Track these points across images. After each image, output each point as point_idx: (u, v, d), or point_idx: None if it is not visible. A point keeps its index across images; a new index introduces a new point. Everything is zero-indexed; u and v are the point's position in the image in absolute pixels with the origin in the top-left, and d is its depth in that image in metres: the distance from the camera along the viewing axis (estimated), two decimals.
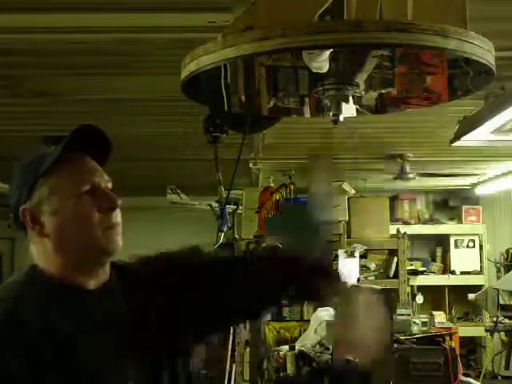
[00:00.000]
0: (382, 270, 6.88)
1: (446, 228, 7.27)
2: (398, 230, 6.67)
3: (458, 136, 3.64)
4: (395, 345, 3.59)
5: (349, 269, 4.89)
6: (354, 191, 5.15)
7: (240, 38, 1.30)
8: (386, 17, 1.39)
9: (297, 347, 3.82)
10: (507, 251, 6.65)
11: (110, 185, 1.39)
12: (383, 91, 1.63)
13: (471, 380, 3.94)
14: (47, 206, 1.33)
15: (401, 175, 5.26)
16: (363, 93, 1.59)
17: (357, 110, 1.71)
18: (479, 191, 6.90)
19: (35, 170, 1.34)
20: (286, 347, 3.85)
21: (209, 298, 1.50)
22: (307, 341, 4.05)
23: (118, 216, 1.38)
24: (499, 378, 5.59)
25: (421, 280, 7.00)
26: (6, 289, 1.33)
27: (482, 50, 1.32)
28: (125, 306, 1.37)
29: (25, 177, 1.36)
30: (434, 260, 7.45)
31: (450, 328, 5.71)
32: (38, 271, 1.34)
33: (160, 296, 1.42)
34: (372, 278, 6.70)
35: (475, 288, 6.31)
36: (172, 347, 1.42)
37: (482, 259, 7.15)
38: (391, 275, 6.74)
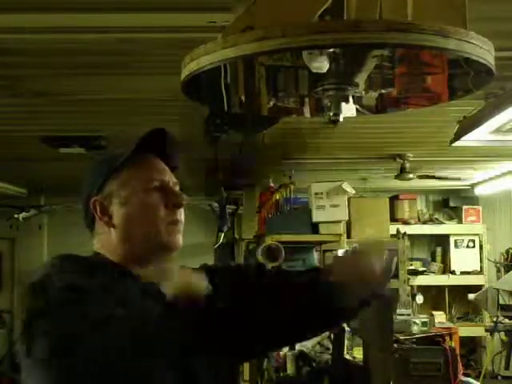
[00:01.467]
0: None
1: (445, 228, 7.27)
2: (397, 230, 6.66)
3: (458, 136, 3.64)
4: (395, 345, 3.59)
5: None
6: (354, 191, 5.14)
7: (240, 38, 1.30)
8: (386, 17, 1.39)
9: (297, 347, 3.82)
10: (507, 251, 6.66)
11: (177, 187, 1.50)
12: (383, 91, 1.63)
13: (471, 380, 3.94)
14: (117, 198, 1.42)
15: (401, 175, 5.27)
16: (363, 93, 1.58)
17: (357, 109, 1.71)
18: (479, 191, 6.91)
19: (108, 166, 1.45)
20: (286, 347, 3.85)
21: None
22: (307, 341, 4.05)
23: (182, 215, 1.49)
24: (499, 378, 5.60)
25: (421, 280, 7.00)
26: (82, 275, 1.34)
27: (482, 50, 1.32)
28: None
29: (98, 172, 1.46)
30: (434, 260, 7.45)
31: (449, 328, 5.72)
32: (103, 257, 1.42)
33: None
34: None
35: (475, 288, 6.31)
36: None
37: (482, 259, 7.15)
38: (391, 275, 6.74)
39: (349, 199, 5.29)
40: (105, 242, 1.44)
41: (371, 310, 1.47)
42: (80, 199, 1.48)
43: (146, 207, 1.43)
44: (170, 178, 1.50)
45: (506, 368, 5.24)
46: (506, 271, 6.41)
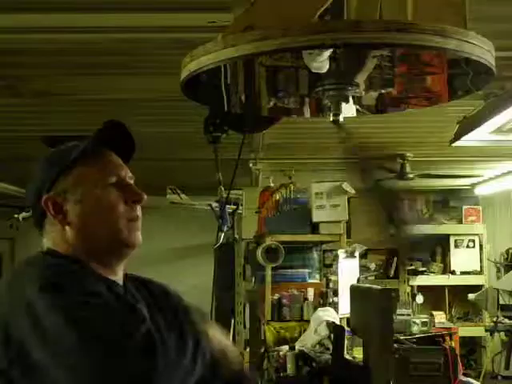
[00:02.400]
0: (382, 270, 6.89)
1: (446, 228, 7.26)
2: None
3: (458, 136, 3.64)
4: (395, 345, 3.60)
5: (349, 269, 4.89)
6: (353, 191, 5.14)
7: (240, 38, 1.30)
8: (386, 17, 1.39)
9: (297, 347, 3.82)
10: (507, 251, 6.65)
11: (132, 182, 1.44)
12: (383, 91, 1.63)
13: (471, 380, 3.94)
14: (72, 195, 1.36)
15: (401, 175, 5.27)
16: (363, 93, 1.59)
17: (357, 110, 1.71)
18: (479, 191, 6.90)
19: (60, 161, 1.38)
20: (286, 347, 3.85)
21: None
22: (307, 341, 4.06)
23: (140, 210, 1.42)
24: (499, 378, 5.59)
25: (421, 280, 7.00)
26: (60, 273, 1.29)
27: (482, 50, 1.32)
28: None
29: (48, 168, 1.39)
30: (434, 260, 7.45)
31: (450, 328, 5.73)
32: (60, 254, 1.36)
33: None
34: (372, 277, 6.70)
35: (475, 288, 6.30)
36: None
37: (482, 259, 7.14)
38: (391, 275, 6.75)
39: (349, 199, 5.29)
40: (58, 240, 1.37)
41: (371, 309, 1.47)
42: (28, 196, 1.42)
43: (105, 204, 1.37)
44: (126, 173, 1.44)
45: (506, 368, 5.24)
46: (506, 271, 6.41)
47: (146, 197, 1.41)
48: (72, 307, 1.17)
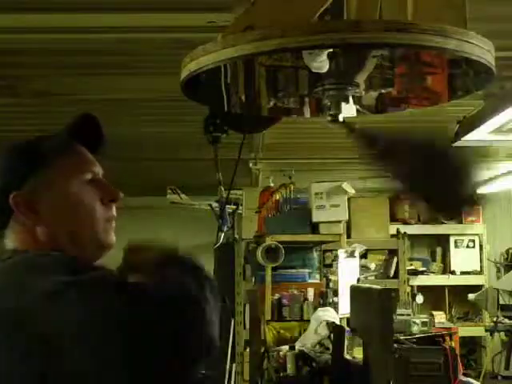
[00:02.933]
0: (382, 270, 6.89)
1: (445, 228, 7.27)
2: (397, 230, 6.67)
3: (458, 136, 3.64)
4: (395, 345, 3.59)
5: (349, 269, 4.89)
6: (353, 191, 5.14)
7: (240, 38, 1.30)
8: (386, 17, 1.39)
9: (297, 347, 3.82)
10: (507, 251, 6.66)
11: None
12: (383, 91, 1.63)
13: (471, 380, 3.94)
14: (46, 193, 1.27)
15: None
16: (363, 93, 1.58)
17: (357, 109, 1.71)
18: (479, 191, 6.90)
19: (31, 156, 1.29)
20: (286, 347, 3.85)
21: None
22: (307, 341, 4.05)
23: (115, 210, 1.35)
24: (499, 378, 5.59)
25: (421, 280, 7.00)
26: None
27: (482, 50, 1.32)
28: None
29: (16, 162, 1.29)
30: (434, 260, 7.45)
31: (450, 328, 5.73)
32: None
33: None
34: (372, 277, 6.70)
35: (475, 288, 6.31)
36: None
37: (482, 259, 7.15)
38: (391, 275, 6.75)
39: (349, 199, 5.29)
40: (28, 241, 1.27)
41: (371, 309, 1.47)
42: None
43: (82, 204, 1.28)
44: (99, 170, 1.34)
45: (506, 368, 5.24)
46: (506, 271, 6.41)
47: (122, 195, 1.34)
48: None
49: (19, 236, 1.28)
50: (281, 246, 4.65)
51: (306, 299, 4.82)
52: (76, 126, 1.34)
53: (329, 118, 1.53)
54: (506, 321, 5.38)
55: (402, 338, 3.84)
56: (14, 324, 1.09)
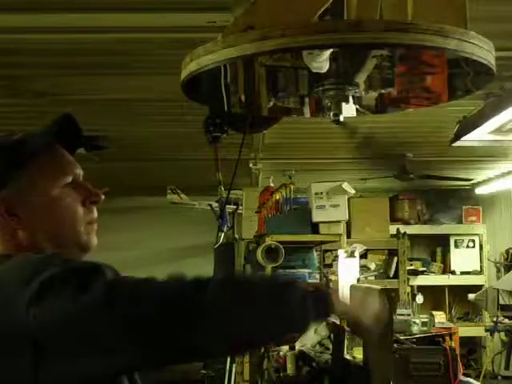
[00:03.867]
0: (382, 270, 6.89)
1: (445, 228, 7.27)
2: (397, 230, 6.67)
3: (457, 136, 3.64)
4: (395, 345, 3.59)
5: (349, 269, 4.89)
6: (353, 191, 5.14)
7: (240, 38, 1.30)
8: (386, 17, 1.39)
9: (297, 347, 3.82)
10: (507, 251, 6.66)
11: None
12: (383, 91, 1.63)
13: (471, 380, 3.94)
14: (26, 196, 1.24)
15: (401, 175, 5.27)
16: (363, 93, 1.59)
17: (357, 109, 1.71)
18: (479, 191, 6.91)
19: (11, 157, 1.25)
20: (286, 347, 3.85)
21: None
22: (307, 341, 4.05)
23: (96, 212, 1.33)
24: (499, 378, 5.60)
25: (421, 280, 7.00)
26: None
27: (482, 50, 1.32)
28: None
29: None
30: (434, 260, 7.45)
31: (449, 328, 5.72)
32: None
33: None
34: (372, 277, 6.70)
35: (475, 288, 6.31)
36: None
37: (482, 259, 7.15)
38: (391, 275, 6.75)
39: (349, 199, 5.29)
40: (8, 244, 1.25)
41: None
42: None
43: (64, 206, 1.26)
44: (80, 171, 1.32)
45: (506, 368, 5.24)
46: (506, 271, 6.41)
47: (103, 197, 1.32)
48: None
49: (1, 239, 1.26)
50: (281, 246, 4.64)
51: None
52: (56, 127, 1.32)
53: (332, 119, 1.53)
54: (506, 321, 5.38)
55: (402, 337, 3.84)
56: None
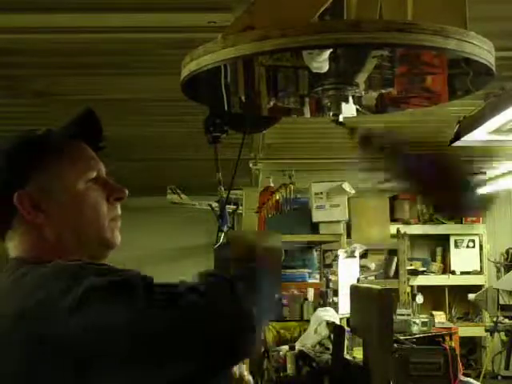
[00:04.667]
0: (381, 270, 6.89)
1: (446, 228, 7.27)
2: (398, 230, 6.67)
3: (458, 136, 3.64)
4: (395, 345, 3.59)
5: (349, 269, 4.89)
6: (353, 191, 5.14)
7: (240, 38, 1.30)
8: (386, 17, 1.39)
9: (297, 347, 3.82)
10: (507, 251, 6.66)
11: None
12: (383, 91, 1.63)
13: (471, 380, 3.94)
14: (50, 191, 1.22)
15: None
16: (363, 93, 1.59)
17: (357, 109, 1.71)
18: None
19: (32, 152, 1.23)
20: (286, 347, 3.85)
21: None
22: (307, 341, 4.05)
23: (120, 209, 1.31)
24: (499, 378, 5.60)
25: (421, 280, 7.00)
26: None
27: (482, 50, 1.32)
28: None
29: (17, 159, 1.23)
30: (433, 260, 7.45)
31: (450, 328, 5.72)
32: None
33: None
34: (372, 277, 6.71)
35: (475, 288, 6.31)
36: None
37: (482, 259, 7.15)
38: (391, 275, 6.75)
39: (349, 199, 5.29)
40: (34, 241, 1.22)
41: (371, 309, 1.47)
42: None
43: (89, 203, 1.24)
44: (103, 168, 1.31)
45: (506, 368, 5.24)
46: (506, 271, 6.41)
47: (127, 193, 1.30)
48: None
49: (24, 238, 1.23)
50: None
51: (305, 299, 4.82)
52: (79, 122, 1.29)
53: (332, 119, 1.53)
54: (506, 321, 5.38)
55: (401, 338, 3.84)
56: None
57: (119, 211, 1.30)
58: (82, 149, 1.29)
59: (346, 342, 3.61)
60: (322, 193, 4.87)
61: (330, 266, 5.90)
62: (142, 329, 1.02)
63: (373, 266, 6.82)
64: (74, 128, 1.28)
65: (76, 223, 1.24)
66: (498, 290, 5.44)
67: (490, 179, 6.39)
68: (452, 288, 7.18)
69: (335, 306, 4.58)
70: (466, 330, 6.63)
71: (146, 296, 1.04)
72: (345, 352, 3.56)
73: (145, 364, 1.03)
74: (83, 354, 1.03)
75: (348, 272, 4.81)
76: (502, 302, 5.40)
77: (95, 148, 1.33)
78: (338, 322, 4.11)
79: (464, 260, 7.17)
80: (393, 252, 6.75)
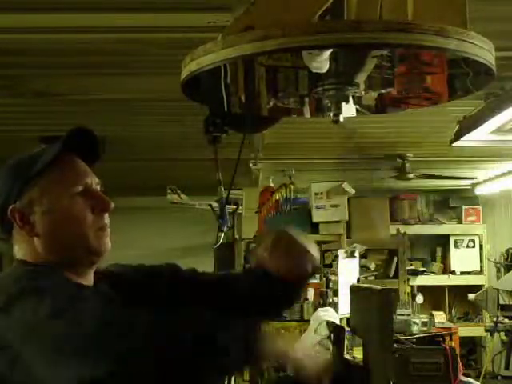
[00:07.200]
0: (382, 270, 6.89)
1: (445, 228, 7.27)
2: (398, 230, 6.67)
3: (458, 136, 3.65)
4: (395, 345, 3.59)
5: (349, 269, 4.89)
6: (353, 191, 5.15)
7: (240, 38, 1.30)
8: (386, 17, 1.39)
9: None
10: (507, 251, 6.65)
11: (99, 187, 1.44)
12: (383, 91, 1.63)
13: (471, 380, 3.94)
14: (38, 206, 1.37)
15: (401, 175, 5.27)
16: (363, 93, 1.58)
17: (357, 110, 1.71)
18: (479, 191, 6.91)
19: (26, 171, 1.38)
20: None
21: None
22: (307, 341, 4.05)
23: (107, 218, 1.43)
24: (499, 378, 5.59)
25: (421, 280, 7.00)
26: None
27: (482, 50, 1.32)
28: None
29: (14, 177, 1.39)
30: (433, 260, 7.45)
31: (450, 328, 5.73)
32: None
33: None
34: (372, 277, 6.71)
35: (475, 288, 6.30)
36: None
37: (482, 259, 7.15)
38: (391, 275, 6.76)
39: (349, 199, 5.30)
40: (29, 249, 1.39)
41: (371, 309, 1.47)
42: None
43: (73, 215, 1.37)
44: (93, 180, 1.43)
45: (506, 368, 5.24)
46: (506, 271, 6.41)
47: (113, 205, 1.42)
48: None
49: (21, 245, 1.40)
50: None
51: (306, 299, 4.82)
52: (71, 138, 1.40)
53: (332, 119, 1.53)
54: (506, 321, 5.38)
55: (401, 337, 3.84)
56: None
57: (106, 220, 1.42)
58: (66, 166, 1.41)
59: (345, 342, 3.61)
60: (322, 193, 4.87)
61: (329, 266, 5.90)
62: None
63: (373, 266, 6.82)
64: (60, 146, 1.39)
65: (62, 234, 1.38)
66: (497, 290, 5.43)
67: (490, 179, 6.39)
68: (452, 288, 7.18)
69: (335, 306, 4.58)
70: (466, 330, 6.63)
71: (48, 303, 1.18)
72: (345, 352, 3.56)
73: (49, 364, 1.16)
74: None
75: (348, 272, 4.81)
76: (502, 302, 5.40)
77: (92, 159, 1.45)
78: (338, 322, 4.11)
79: (464, 260, 7.17)
80: (393, 252, 6.75)
